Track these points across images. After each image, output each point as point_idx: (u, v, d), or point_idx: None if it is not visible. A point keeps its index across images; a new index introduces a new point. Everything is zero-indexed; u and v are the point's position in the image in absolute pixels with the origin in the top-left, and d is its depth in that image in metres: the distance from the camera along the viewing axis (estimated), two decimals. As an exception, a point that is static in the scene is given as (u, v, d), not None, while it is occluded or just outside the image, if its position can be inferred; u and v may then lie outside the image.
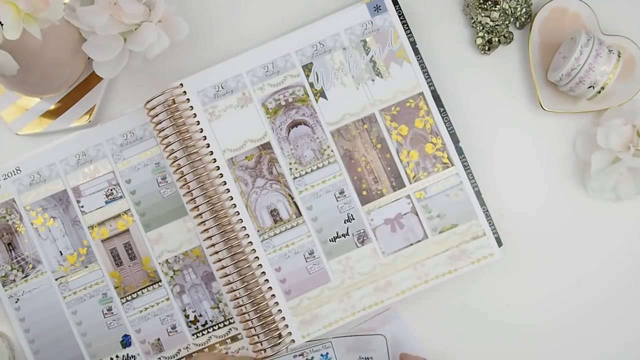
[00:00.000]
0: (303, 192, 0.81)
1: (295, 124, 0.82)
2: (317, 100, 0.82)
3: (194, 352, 0.82)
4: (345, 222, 0.81)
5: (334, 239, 0.81)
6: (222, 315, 0.82)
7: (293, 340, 0.80)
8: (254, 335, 0.80)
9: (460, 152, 0.82)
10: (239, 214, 0.81)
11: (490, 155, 0.85)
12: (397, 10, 0.83)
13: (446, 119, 0.82)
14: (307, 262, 0.81)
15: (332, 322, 0.81)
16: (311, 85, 0.82)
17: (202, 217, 0.80)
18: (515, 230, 0.84)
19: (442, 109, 0.82)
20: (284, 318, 0.80)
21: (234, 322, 0.82)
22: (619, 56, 0.79)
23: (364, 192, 0.82)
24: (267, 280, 0.80)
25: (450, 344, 0.84)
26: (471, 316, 0.82)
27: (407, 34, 0.82)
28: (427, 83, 0.82)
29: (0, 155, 0.84)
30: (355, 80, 0.82)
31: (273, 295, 0.80)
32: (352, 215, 0.81)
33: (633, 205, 0.86)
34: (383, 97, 0.82)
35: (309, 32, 0.82)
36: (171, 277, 0.82)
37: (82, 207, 0.82)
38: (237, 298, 0.79)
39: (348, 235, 0.81)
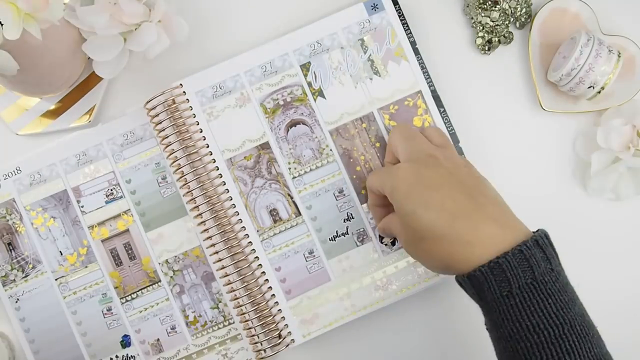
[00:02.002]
0: (302, 191, 0.81)
1: (293, 124, 0.82)
2: (315, 100, 0.82)
3: (193, 353, 0.82)
4: (344, 221, 0.81)
5: (334, 238, 0.81)
6: (222, 315, 0.82)
7: (293, 340, 0.80)
8: (253, 335, 0.80)
9: (460, 152, 0.82)
10: (238, 214, 0.81)
11: (489, 154, 0.85)
12: (397, 10, 0.83)
13: (446, 118, 0.82)
14: (307, 261, 0.81)
15: (332, 321, 0.81)
16: (309, 84, 0.82)
17: (202, 217, 0.80)
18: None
19: (442, 109, 0.82)
20: (284, 318, 0.80)
21: (233, 323, 0.82)
22: (619, 56, 0.79)
23: (363, 191, 0.81)
24: (267, 280, 0.80)
25: (451, 343, 0.84)
26: (471, 316, 0.82)
27: (407, 34, 0.83)
28: (427, 83, 0.82)
29: (0, 155, 0.84)
30: (354, 79, 0.82)
31: (273, 295, 0.80)
32: (351, 214, 0.81)
33: (633, 205, 0.86)
34: (381, 95, 0.82)
35: (306, 32, 0.82)
36: (171, 277, 0.82)
37: (82, 207, 0.82)
38: (237, 298, 0.79)
39: (348, 234, 0.81)
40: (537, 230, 0.67)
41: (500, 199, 0.70)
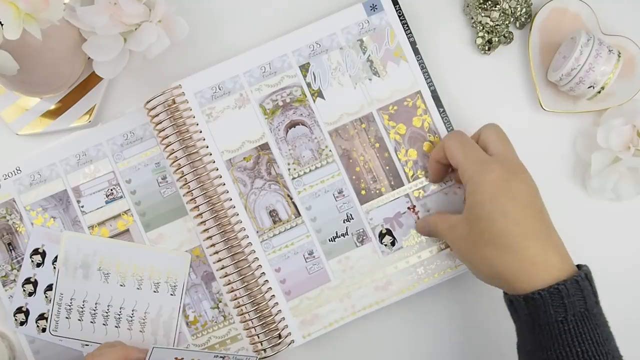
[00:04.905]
0: (302, 192, 0.81)
1: (293, 124, 0.82)
2: (314, 100, 0.82)
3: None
4: (344, 222, 0.81)
5: (333, 239, 0.81)
6: (222, 315, 0.82)
7: (293, 341, 0.80)
8: (254, 335, 0.80)
9: (460, 152, 0.82)
10: (238, 215, 0.81)
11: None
12: (397, 10, 0.83)
13: (445, 119, 0.82)
14: (306, 262, 0.81)
15: (332, 322, 0.81)
16: (308, 85, 0.82)
17: (202, 217, 0.80)
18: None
19: (441, 109, 0.82)
20: (284, 318, 0.80)
21: (234, 322, 0.82)
22: (619, 56, 0.79)
23: (363, 192, 0.82)
24: (266, 280, 0.80)
25: (450, 344, 0.84)
26: (471, 316, 0.82)
27: (407, 34, 0.83)
28: (427, 83, 0.82)
29: (0, 155, 0.84)
30: (353, 80, 0.82)
31: (273, 296, 0.80)
32: (351, 214, 0.81)
33: (633, 205, 0.86)
34: (380, 96, 0.82)
35: (305, 33, 0.82)
36: (171, 277, 0.82)
37: (82, 207, 0.82)
38: (237, 298, 0.79)
39: (347, 234, 0.81)
40: (583, 266, 0.69)
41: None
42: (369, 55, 0.82)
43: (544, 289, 0.65)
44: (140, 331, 0.81)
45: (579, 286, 0.65)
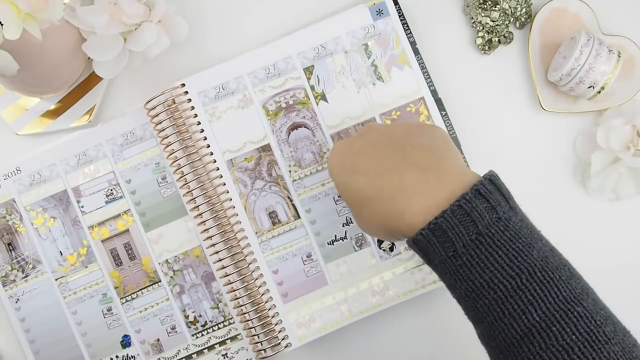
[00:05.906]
0: (302, 194, 0.81)
1: (295, 127, 0.82)
2: (317, 103, 0.82)
3: (193, 353, 0.82)
4: (343, 226, 0.81)
5: (332, 242, 0.81)
6: (222, 315, 0.82)
7: (290, 344, 0.80)
8: (254, 335, 0.80)
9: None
10: (237, 215, 0.81)
11: (490, 155, 0.85)
12: (397, 10, 0.82)
13: (448, 123, 0.82)
14: (304, 264, 0.81)
15: (328, 325, 0.81)
16: (312, 88, 0.82)
17: (202, 217, 0.80)
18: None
19: (443, 113, 0.82)
20: (281, 321, 0.80)
21: (233, 323, 0.82)
22: (619, 56, 0.79)
23: (364, 195, 0.82)
24: (264, 282, 0.80)
25: (448, 348, 0.84)
26: (467, 323, 0.82)
27: (406, 34, 0.82)
28: (427, 83, 0.82)
29: (0, 155, 0.84)
30: (356, 84, 0.82)
31: (270, 298, 0.80)
32: (350, 218, 0.81)
33: (633, 205, 0.86)
34: (384, 101, 0.82)
35: (310, 35, 0.82)
36: (171, 277, 0.82)
37: (82, 207, 0.82)
38: (237, 298, 0.79)
39: (346, 238, 0.81)
40: (483, 177, 0.60)
41: (438, 145, 0.64)
42: (374, 60, 0.82)
43: (425, 227, 0.57)
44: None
45: (464, 210, 0.56)
